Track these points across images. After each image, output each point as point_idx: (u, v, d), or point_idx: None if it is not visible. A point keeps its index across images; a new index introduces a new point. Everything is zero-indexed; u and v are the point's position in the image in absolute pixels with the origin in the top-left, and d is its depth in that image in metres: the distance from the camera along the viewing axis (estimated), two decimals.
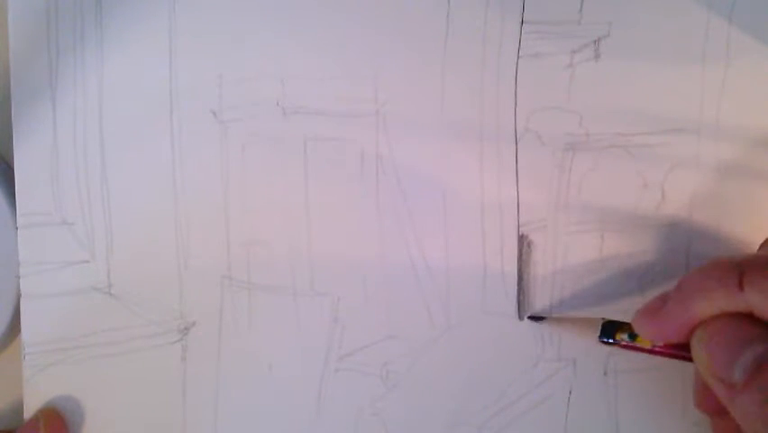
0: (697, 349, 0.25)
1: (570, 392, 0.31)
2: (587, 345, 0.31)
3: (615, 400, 0.31)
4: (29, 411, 0.30)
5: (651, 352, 0.27)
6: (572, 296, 0.31)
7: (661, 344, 0.26)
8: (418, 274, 0.31)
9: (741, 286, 0.23)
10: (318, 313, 0.31)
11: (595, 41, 0.30)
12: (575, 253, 0.31)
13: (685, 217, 0.31)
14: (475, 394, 0.31)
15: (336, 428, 0.31)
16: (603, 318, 0.28)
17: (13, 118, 0.30)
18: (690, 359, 0.26)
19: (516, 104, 0.30)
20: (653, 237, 0.31)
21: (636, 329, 0.27)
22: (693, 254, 0.30)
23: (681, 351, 0.26)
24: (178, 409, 0.30)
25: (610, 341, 0.28)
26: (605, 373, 0.31)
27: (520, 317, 0.31)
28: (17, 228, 0.30)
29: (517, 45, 0.30)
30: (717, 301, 0.24)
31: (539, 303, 0.31)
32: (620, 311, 0.31)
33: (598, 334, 0.28)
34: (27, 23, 0.29)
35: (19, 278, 0.30)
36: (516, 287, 0.31)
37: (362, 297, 0.31)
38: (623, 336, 0.27)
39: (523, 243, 0.31)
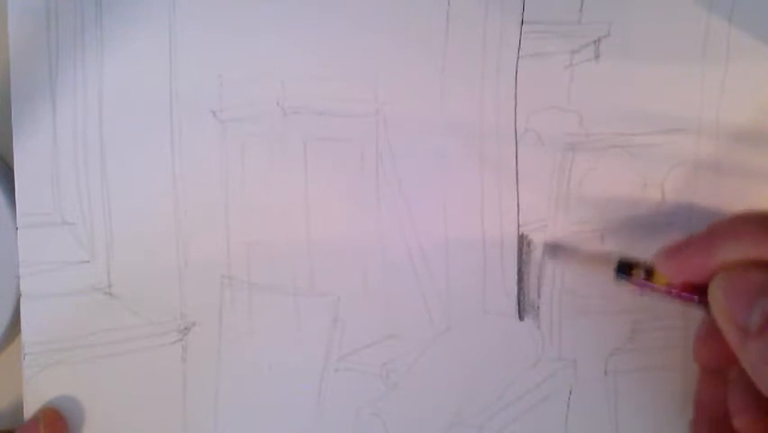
0: (715, 291, 0.25)
1: (570, 392, 0.31)
2: (587, 344, 0.31)
3: (615, 400, 0.31)
4: (29, 411, 0.30)
5: (665, 292, 0.27)
6: (573, 296, 0.31)
7: (677, 283, 0.26)
8: (418, 274, 0.31)
9: None
10: (318, 313, 0.31)
11: (595, 41, 0.30)
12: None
13: (685, 217, 0.31)
14: (475, 394, 0.31)
15: (336, 427, 0.31)
16: (620, 256, 0.28)
17: (13, 118, 0.30)
18: (703, 304, 0.25)
19: (516, 104, 0.30)
20: (653, 237, 0.31)
21: (657, 263, 0.27)
22: None
23: (695, 294, 0.26)
24: (178, 409, 0.30)
25: (625, 277, 0.27)
26: (605, 373, 0.31)
27: (520, 317, 0.31)
28: (17, 228, 0.30)
29: (517, 45, 0.30)
30: (745, 246, 0.24)
31: (539, 303, 0.31)
32: (620, 310, 0.31)
33: (614, 268, 0.28)
34: (27, 23, 0.29)
35: (19, 278, 0.30)
36: (516, 287, 0.31)
37: (362, 297, 0.31)
38: (639, 273, 0.27)
39: (523, 243, 0.31)
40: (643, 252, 0.30)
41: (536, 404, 0.31)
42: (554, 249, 0.30)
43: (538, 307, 0.31)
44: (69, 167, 0.30)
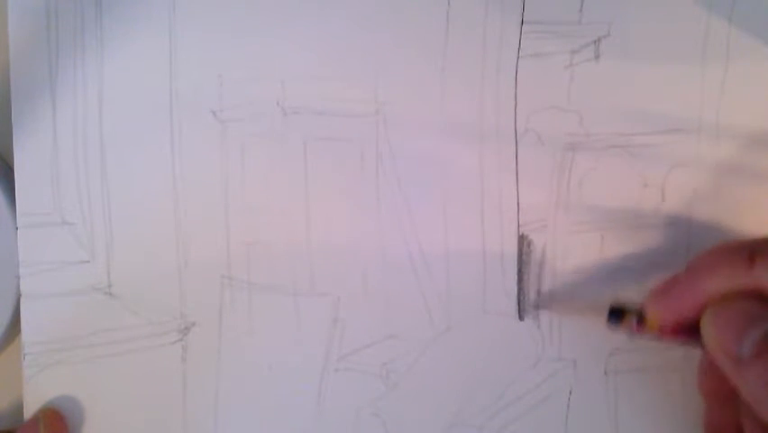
0: (706, 327, 0.25)
1: (570, 392, 0.31)
2: (587, 344, 0.31)
3: (615, 400, 0.31)
4: (29, 411, 0.30)
5: (659, 336, 0.27)
6: (572, 296, 0.31)
7: (669, 326, 0.26)
8: (418, 274, 0.31)
9: (751, 264, 0.24)
10: (318, 313, 0.31)
11: (595, 41, 0.30)
12: (575, 253, 0.31)
13: (685, 217, 0.31)
14: (475, 394, 0.31)
15: (336, 427, 0.31)
16: (611, 302, 0.28)
17: (13, 118, 0.30)
18: (697, 344, 0.26)
19: (516, 104, 0.30)
20: (653, 237, 0.31)
21: (647, 307, 0.27)
22: (693, 254, 0.30)
23: (688, 335, 0.26)
24: (178, 409, 0.30)
25: (618, 323, 0.28)
26: (605, 373, 0.31)
27: (520, 317, 0.31)
28: (17, 228, 0.30)
29: (517, 45, 0.30)
30: (727, 278, 0.25)
31: (539, 303, 0.31)
32: None
33: (606, 318, 0.28)
34: (27, 23, 0.29)
35: (19, 278, 0.30)
36: (516, 287, 0.31)
37: (362, 297, 0.31)
38: (631, 319, 0.27)
39: (523, 243, 0.31)
40: (643, 252, 0.31)
41: (536, 404, 0.31)
42: (546, 300, 0.30)
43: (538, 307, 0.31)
44: (69, 167, 0.30)
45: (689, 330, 0.26)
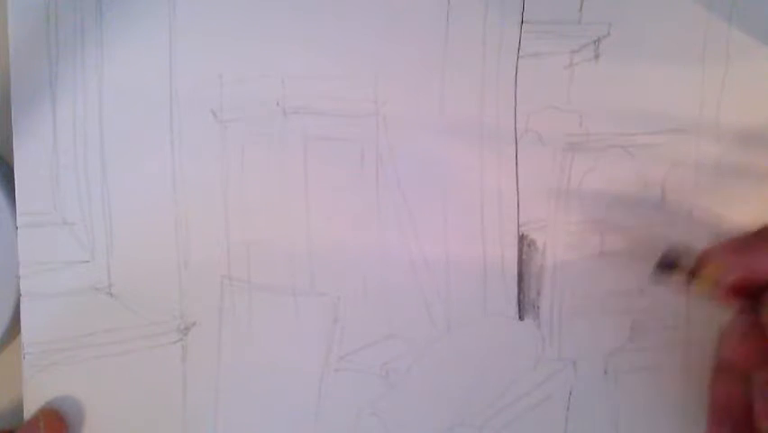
0: None
1: (570, 392, 0.31)
2: (587, 344, 0.31)
3: (615, 400, 0.31)
4: (29, 411, 0.30)
5: (710, 293, 0.26)
6: (573, 296, 0.31)
7: (727, 284, 0.25)
8: (418, 274, 0.31)
9: None
10: (318, 313, 0.31)
11: (595, 41, 0.30)
12: (575, 252, 0.31)
13: (685, 217, 0.31)
14: (475, 394, 0.31)
15: (336, 427, 0.31)
16: (664, 251, 0.28)
17: (13, 118, 0.30)
18: (749, 309, 0.25)
19: (516, 104, 0.30)
20: (653, 237, 0.31)
21: (712, 258, 0.26)
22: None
23: (742, 298, 0.25)
24: (178, 409, 0.30)
25: (667, 274, 0.27)
26: (605, 373, 0.31)
27: (520, 318, 0.31)
28: (17, 228, 0.30)
29: (517, 45, 0.30)
30: None
31: (539, 303, 0.31)
32: (620, 311, 0.31)
33: (657, 264, 0.28)
34: (27, 23, 0.29)
35: (19, 278, 0.30)
36: (516, 287, 0.31)
37: (362, 297, 0.31)
38: (682, 272, 0.27)
39: (523, 243, 0.31)
40: (642, 251, 0.31)
41: (536, 404, 0.31)
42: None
43: (538, 307, 0.31)
44: (69, 167, 0.30)
45: (741, 293, 0.25)
